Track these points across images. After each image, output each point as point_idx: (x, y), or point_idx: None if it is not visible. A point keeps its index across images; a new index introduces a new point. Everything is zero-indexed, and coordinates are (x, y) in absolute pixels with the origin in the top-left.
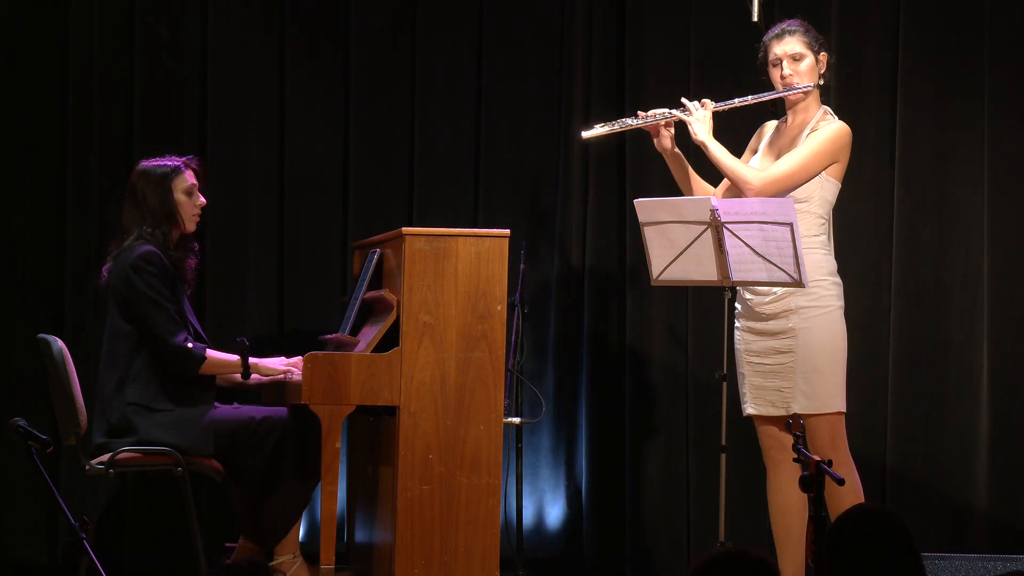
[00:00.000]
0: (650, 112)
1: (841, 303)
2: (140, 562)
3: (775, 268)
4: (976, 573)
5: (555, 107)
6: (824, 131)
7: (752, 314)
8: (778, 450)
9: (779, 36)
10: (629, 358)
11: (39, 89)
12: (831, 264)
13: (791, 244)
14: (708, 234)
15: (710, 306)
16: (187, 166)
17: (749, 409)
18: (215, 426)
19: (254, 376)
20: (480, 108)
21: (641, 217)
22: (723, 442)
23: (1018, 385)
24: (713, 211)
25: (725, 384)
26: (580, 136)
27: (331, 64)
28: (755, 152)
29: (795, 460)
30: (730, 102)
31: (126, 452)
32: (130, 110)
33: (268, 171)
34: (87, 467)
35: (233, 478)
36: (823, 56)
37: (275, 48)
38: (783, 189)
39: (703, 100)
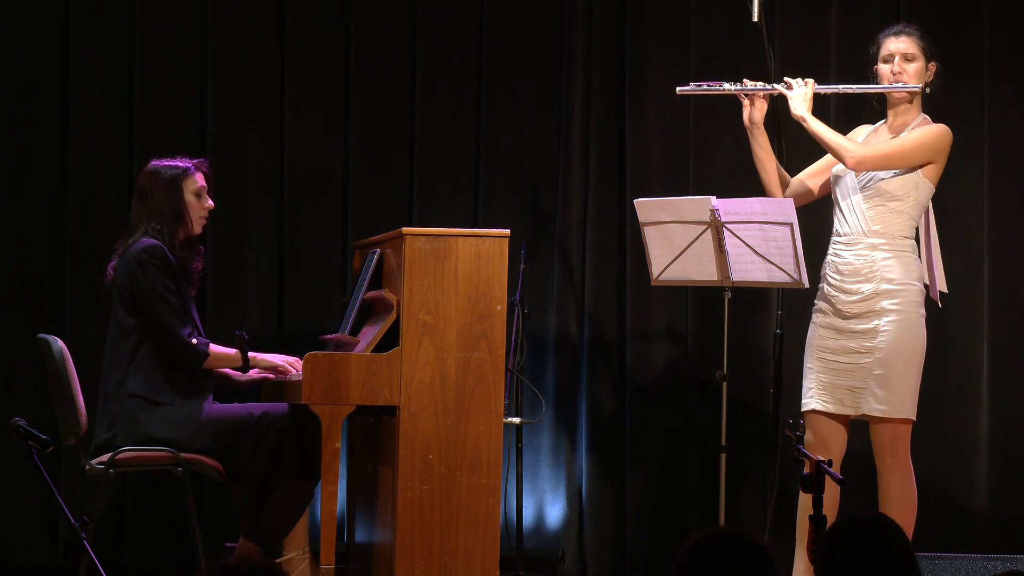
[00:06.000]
0: (751, 84)
1: (924, 310)
2: (140, 562)
3: (775, 268)
4: (976, 573)
5: (555, 107)
6: (930, 127)
7: (835, 311)
8: (821, 449)
9: (896, 34)
10: (629, 358)
11: (39, 89)
12: (920, 269)
13: (791, 244)
14: (708, 234)
15: (710, 306)
16: (197, 168)
17: (813, 404)
18: (216, 424)
19: (252, 371)
20: (480, 108)
21: (641, 217)
22: (723, 442)
23: (1018, 385)
24: (713, 211)
25: (725, 384)
26: (675, 92)
27: (331, 64)
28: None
29: (795, 460)
30: (834, 87)
31: (126, 452)
32: (130, 110)
33: (268, 171)
34: (87, 467)
35: (233, 477)
36: (932, 65)
37: (275, 48)
38: (879, 167)
39: (807, 79)
